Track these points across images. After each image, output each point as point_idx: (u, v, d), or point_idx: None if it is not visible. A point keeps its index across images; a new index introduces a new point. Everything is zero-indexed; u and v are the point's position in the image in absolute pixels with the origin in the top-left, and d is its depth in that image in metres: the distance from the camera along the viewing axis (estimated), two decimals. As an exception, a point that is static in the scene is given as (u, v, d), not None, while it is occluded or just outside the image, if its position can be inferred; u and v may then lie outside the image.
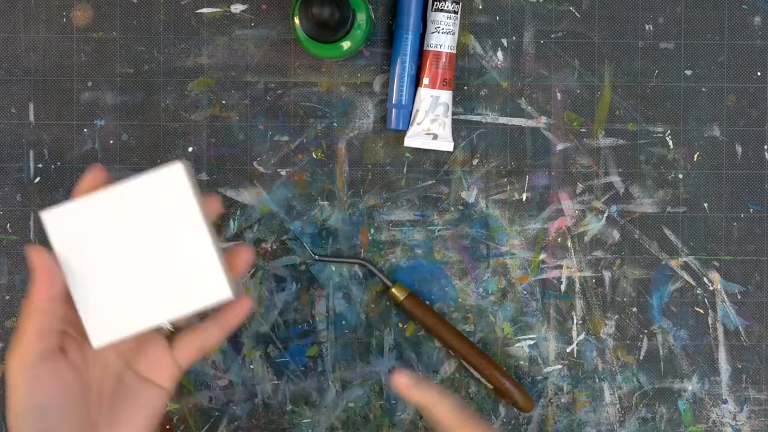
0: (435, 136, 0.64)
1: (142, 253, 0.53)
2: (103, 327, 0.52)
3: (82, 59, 0.65)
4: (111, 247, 0.52)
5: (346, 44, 0.60)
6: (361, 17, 0.59)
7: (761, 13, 0.65)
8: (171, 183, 0.53)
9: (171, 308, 0.53)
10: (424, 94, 0.63)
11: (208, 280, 0.53)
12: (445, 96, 0.63)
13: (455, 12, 0.63)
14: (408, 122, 0.64)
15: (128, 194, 0.52)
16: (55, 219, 0.52)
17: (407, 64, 0.63)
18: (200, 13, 0.65)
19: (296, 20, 0.58)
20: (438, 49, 0.63)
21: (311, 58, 0.65)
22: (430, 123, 0.63)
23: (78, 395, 0.51)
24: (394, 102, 0.64)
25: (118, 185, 0.52)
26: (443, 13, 0.63)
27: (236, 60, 0.65)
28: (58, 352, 0.50)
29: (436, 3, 0.63)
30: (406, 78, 0.64)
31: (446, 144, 0.64)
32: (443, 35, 0.63)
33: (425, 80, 0.63)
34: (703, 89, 0.65)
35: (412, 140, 0.64)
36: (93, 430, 0.51)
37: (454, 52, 0.63)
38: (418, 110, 0.63)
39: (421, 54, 0.64)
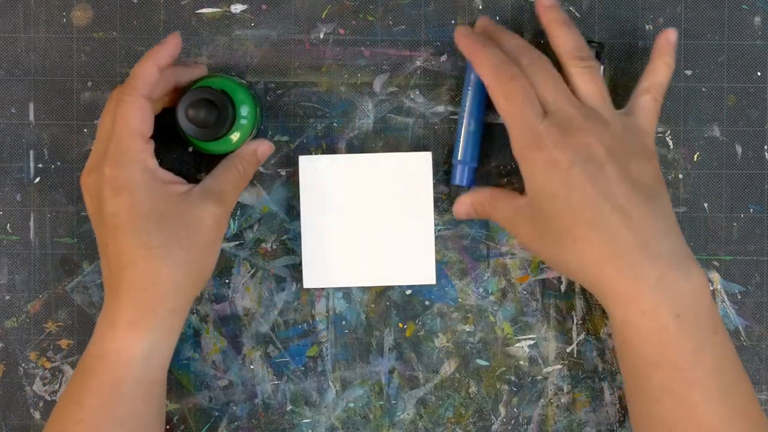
0: None
1: (370, 218, 0.63)
2: (316, 274, 0.64)
3: (82, 59, 0.65)
4: (346, 204, 0.63)
5: (234, 136, 0.61)
6: (244, 110, 0.60)
7: (761, 13, 0.65)
8: (417, 167, 0.63)
9: (377, 276, 0.64)
10: None
11: (420, 264, 0.63)
12: None
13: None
14: (473, 179, 0.64)
15: (376, 164, 0.63)
16: (307, 163, 0.63)
17: (472, 121, 0.63)
18: (200, 13, 0.65)
19: (179, 122, 0.59)
20: None
21: (311, 58, 0.65)
22: None
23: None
24: (459, 158, 0.63)
25: (370, 154, 0.63)
26: None
27: (236, 60, 0.65)
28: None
29: None
30: (470, 135, 0.63)
31: None
32: None
33: None
34: (703, 89, 0.65)
35: None
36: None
37: None
38: None
39: (485, 110, 0.64)
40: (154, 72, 0.57)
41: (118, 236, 0.56)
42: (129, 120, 0.57)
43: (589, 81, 0.58)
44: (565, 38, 0.59)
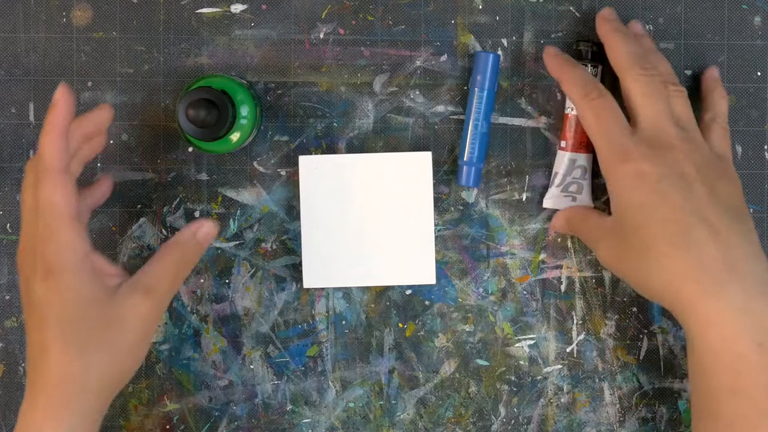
0: (574, 198, 0.63)
1: (370, 218, 0.63)
2: (316, 274, 0.64)
3: (82, 59, 0.65)
4: (345, 204, 0.63)
5: (234, 136, 0.61)
6: (244, 110, 0.60)
7: (761, 13, 0.65)
8: (417, 167, 0.63)
9: (377, 276, 0.64)
10: (563, 157, 0.63)
11: (420, 264, 0.63)
12: (583, 159, 0.63)
13: (594, 75, 0.62)
14: (479, 179, 0.64)
15: (376, 164, 0.63)
16: (307, 163, 0.63)
17: (480, 122, 0.63)
18: (200, 13, 0.65)
19: (179, 122, 0.58)
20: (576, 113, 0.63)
21: (311, 58, 0.65)
22: (569, 185, 0.63)
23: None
24: (465, 159, 0.63)
25: (370, 154, 0.63)
26: None
27: (236, 60, 0.65)
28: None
29: None
30: (478, 136, 0.63)
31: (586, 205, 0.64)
32: None
33: (563, 143, 0.63)
34: (703, 89, 0.65)
35: (550, 202, 0.64)
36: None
37: None
38: (557, 173, 0.63)
39: (490, 114, 0.64)
40: (62, 142, 0.54)
41: (41, 323, 0.53)
42: (53, 203, 0.54)
43: (681, 104, 0.59)
44: (661, 65, 0.60)
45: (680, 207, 0.55)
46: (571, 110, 0.63)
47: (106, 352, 0.54)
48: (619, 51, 0.60)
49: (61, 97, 0.54)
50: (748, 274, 0.54)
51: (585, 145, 0.63)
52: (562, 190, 0.63)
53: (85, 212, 0.61)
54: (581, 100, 0.59)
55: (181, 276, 0.58)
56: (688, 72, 0.65)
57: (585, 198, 0.63)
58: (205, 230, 0.58)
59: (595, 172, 0.65)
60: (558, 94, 0.65)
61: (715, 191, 0.56)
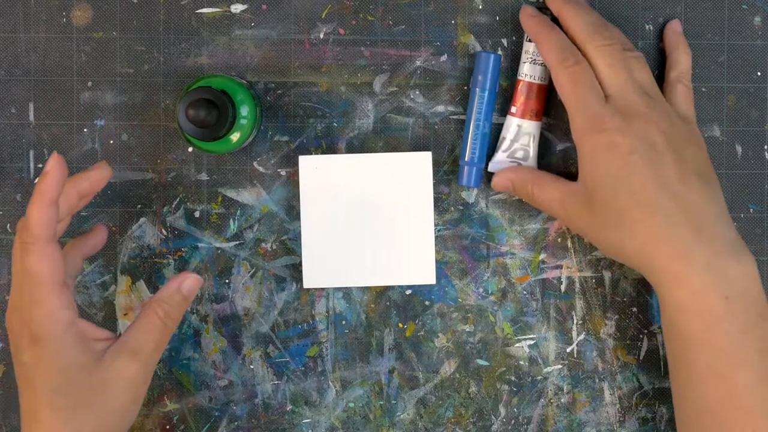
0: (519, 164, 0.63)
1: (370, 218, 0.63)
2: (316, 274, 0.64)
3: (82, 59, 0.65)
4: (345, 204, 0.63)
5: (234, 136, 0.60)
6: (244, 110, 0.60)
7: (761, 13, 0.65)
8: (417, 167, 0.63)
9: (377, 276, 0.64)
10: (512, 122, 0.63)
11: (420, 264, 0.64)
12: (532, 126, 0.63)
13: None
14: (480, 179, 0.64)
15: (376, 164, 0.63)
16: (307, 163, 0.63)
17: (481, 123, 0.63)
18: (200, 13, 0.65)
19: (179, 122, 0.58)
20: (529, 80, 0.63)
21: (311, 58, 0.65)
22: (515, 151, 0.63)
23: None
24: (466, 160, 0.63)
25: (370, 154, 0.63)
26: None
27: (236, 60, 0.65)
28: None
29: None
30: (479, 137, 0.63)
31: None
32: (536, 66, 0.63)
33: (513, 109, 0.63)
34: (703, 89, 0.65)
35: (496, 166, 0.64)
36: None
37: (545, 83, 0.63)
38: (504, 138, 0.63)
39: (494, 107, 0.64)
40: (50, 212, 0.53)
41: (30, 389, 0.53)
42: (37, 272, 0.53)
43: (641, 70, 0.59)
44: (616, 33, 0.60)
45: (651, 179, 0.56)
46: (525, 76, 0.63)
47: (94, 416, 0.54)
48: (576, 21, 0.60)
49: (54, 167, 0.54)
50: (714, 235, 0.56)
51: (535, 112, 0.63)
52: (509, 155, 0.63)
53: (77, 263, 0.60)
54: (558, 66, 0.59)
55: (167, 334, 0.57)
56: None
57: (531, 165, 0.64)
58: (189, 283, 0.58)
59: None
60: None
61: (683, 158, 0.57)
